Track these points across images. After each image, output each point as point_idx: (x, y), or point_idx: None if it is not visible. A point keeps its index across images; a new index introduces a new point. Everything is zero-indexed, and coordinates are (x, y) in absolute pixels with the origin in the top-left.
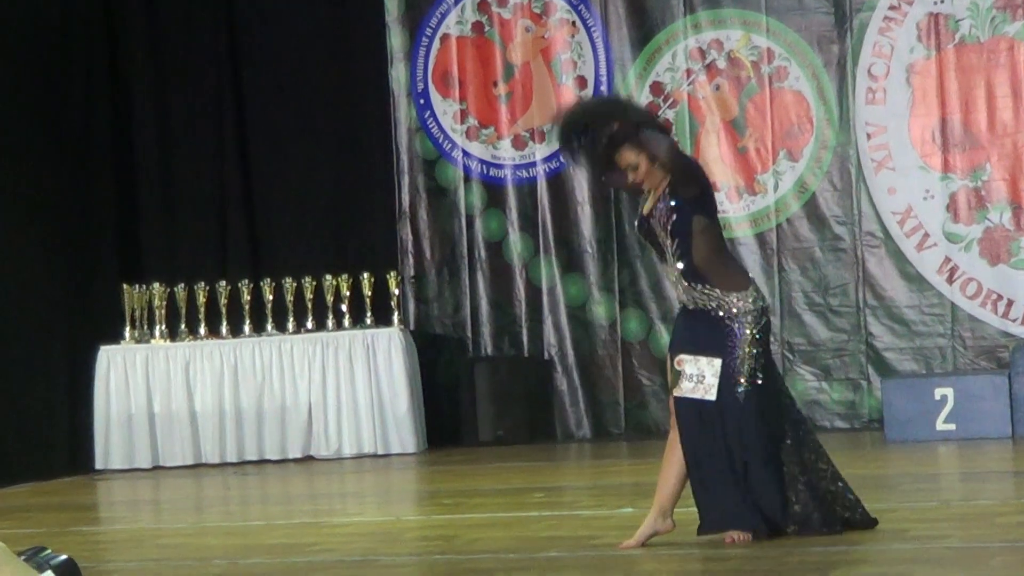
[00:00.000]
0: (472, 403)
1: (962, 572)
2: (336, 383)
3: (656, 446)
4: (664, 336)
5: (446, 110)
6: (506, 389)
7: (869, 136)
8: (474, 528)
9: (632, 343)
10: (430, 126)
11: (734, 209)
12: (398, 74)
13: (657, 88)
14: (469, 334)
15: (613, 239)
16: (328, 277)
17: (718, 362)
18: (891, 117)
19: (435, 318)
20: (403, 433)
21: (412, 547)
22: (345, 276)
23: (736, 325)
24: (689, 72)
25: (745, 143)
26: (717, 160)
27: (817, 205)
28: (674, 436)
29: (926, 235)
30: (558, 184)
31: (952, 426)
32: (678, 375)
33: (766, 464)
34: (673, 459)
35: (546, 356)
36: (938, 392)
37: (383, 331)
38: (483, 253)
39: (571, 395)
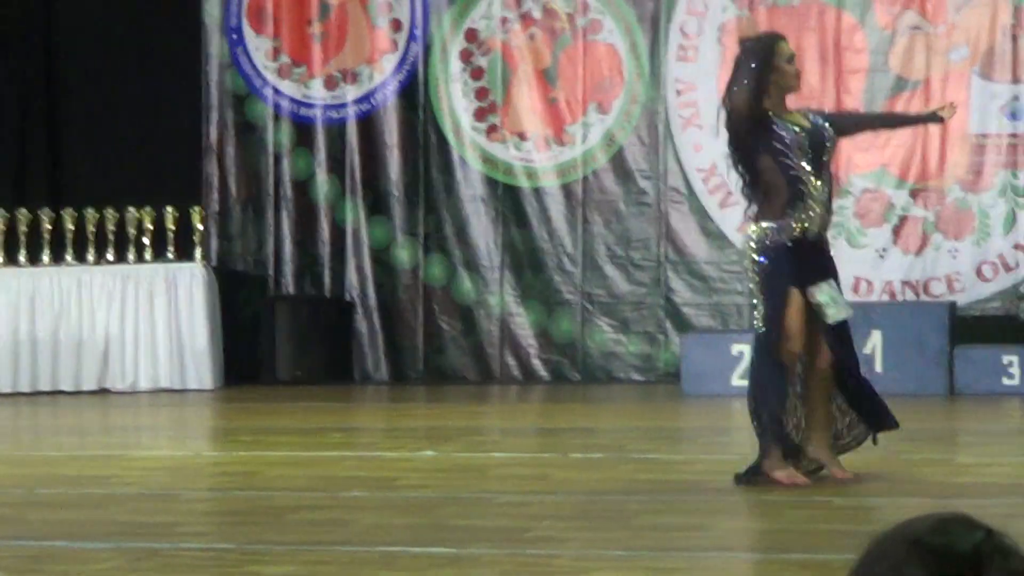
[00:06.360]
0: (271, 342)
1: (757, 522)
2: (135, 316)
3: (453, 391)
4: (466, 282)
5: (259, 46)
6: (306, 329)
7: (679, 93)
8: (274, 466)
9: (434, 288)
10: (242, 62)
11: (541, 159)
12: (211, 8)
13: (472, 35)
14: (271, 272)
15: (420, 184)
16: (131, 209)
17: (834, 282)
18: (701, 75)
19: (238, 255)
20: (200, 369)
21: (212, 482)
22: (148, 209)
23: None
24: (504, 20)
25: (556, 94)
26: (528, 109)
27: (624, 159)
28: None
29: (729, 193)
30: (368, 126)
31: (747, 382)
32: (821, 305)
33: None
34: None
35: (348, 298)
36: (734, 348)
37: (185, 266)
38: (289, 192)
39: (371, 337)
